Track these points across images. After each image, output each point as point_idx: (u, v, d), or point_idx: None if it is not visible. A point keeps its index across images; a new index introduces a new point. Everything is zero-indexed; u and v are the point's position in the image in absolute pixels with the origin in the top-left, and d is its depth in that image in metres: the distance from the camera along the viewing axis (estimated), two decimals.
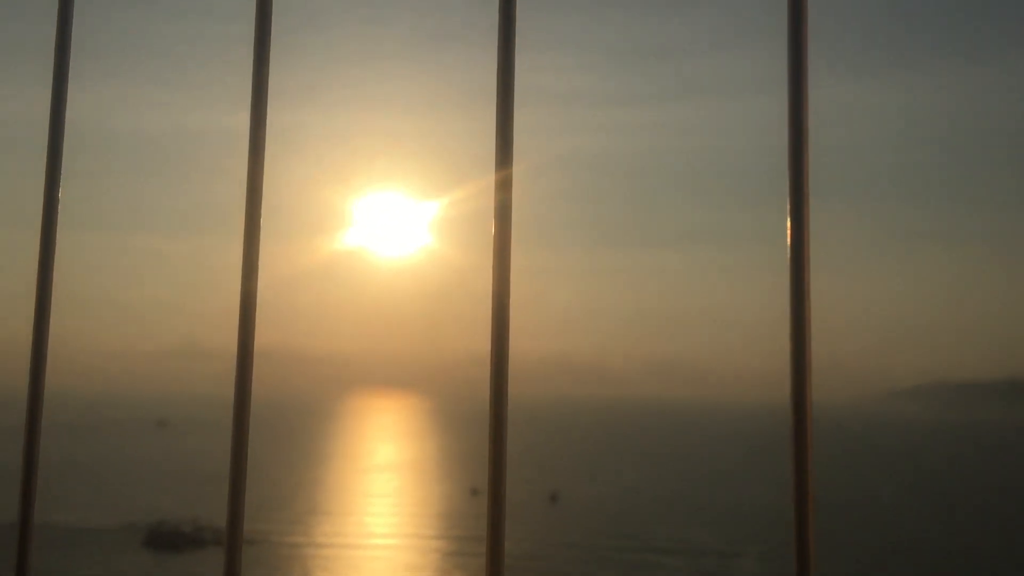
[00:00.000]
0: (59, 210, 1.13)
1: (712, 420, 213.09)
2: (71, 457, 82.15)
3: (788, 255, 0.84)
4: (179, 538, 42.58)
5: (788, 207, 0.85)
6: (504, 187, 0.92)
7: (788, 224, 0.84)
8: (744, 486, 70.81)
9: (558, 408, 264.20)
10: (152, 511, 47.42)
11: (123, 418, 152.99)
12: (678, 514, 55.15)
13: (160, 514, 45.78)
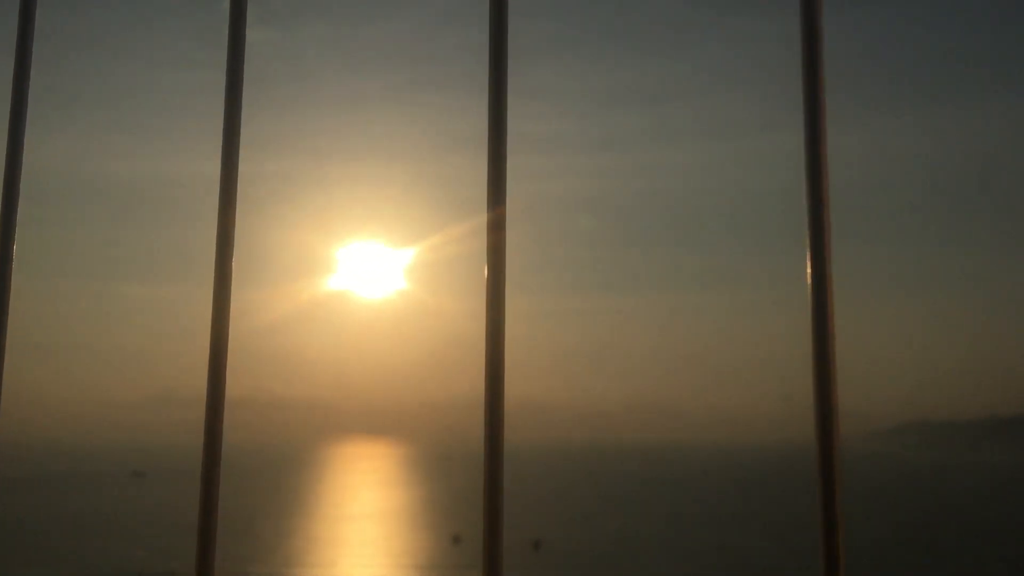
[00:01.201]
0: (14, 256, 1.09)
1: (705, 463, 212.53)
2: (45, 510, 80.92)
3: (809, 294, 0.84)
4: None
5: (808, 246, 0.83)
6: (497, 228, 0.90)
7: (808, 264, 0.84)
8: (733, 530, 70.49)
9: (541, 453, 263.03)
10: (128, 564, 46.69)
11: (98, 470, 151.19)
12: (664, 561, 54.78)
13: (136, 567, 45.07)
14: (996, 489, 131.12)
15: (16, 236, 1.10)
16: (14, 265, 1.08)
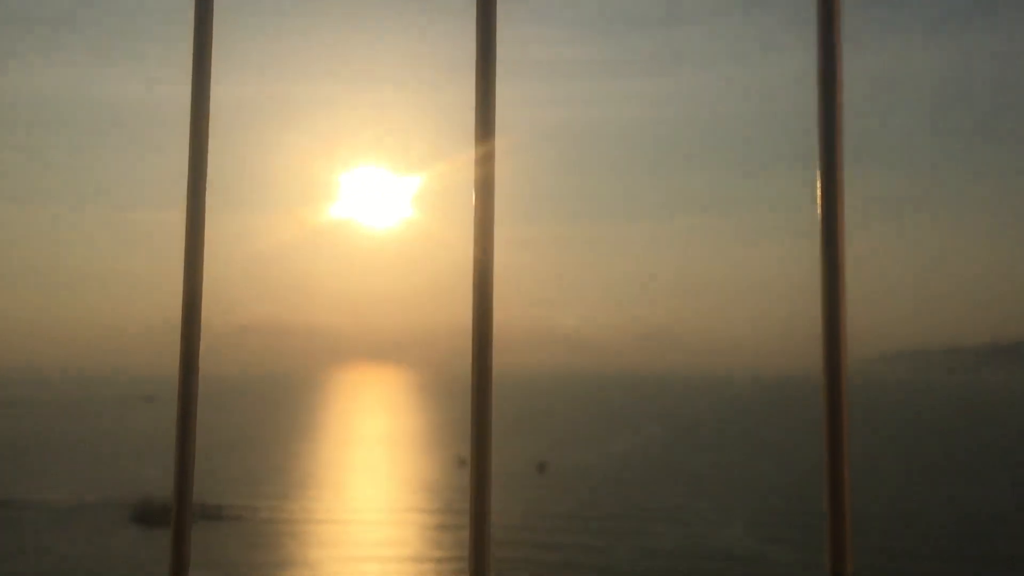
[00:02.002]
0: None
1: (706, 390, 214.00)
2: (60, 434, 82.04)
3: (820, 221, 0.83)
4: (167, 514, 42.65)
5: (819, 172, 0.83)
6: (486, 161, 0.92)
7: (819, 189, 0.83)
8: (737, 455, 71.33)
9: (546, 379, 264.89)
10: (140, 487, 47.46)
11: (112, 395, 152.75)
12: (667, 483, 55.54)
13: (148, 490, 45.80)
14: (996, 412, 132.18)
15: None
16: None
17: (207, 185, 1.01)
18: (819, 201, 0.83)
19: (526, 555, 35.70)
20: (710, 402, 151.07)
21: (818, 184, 0.83)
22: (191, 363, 0.94)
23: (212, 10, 0.99)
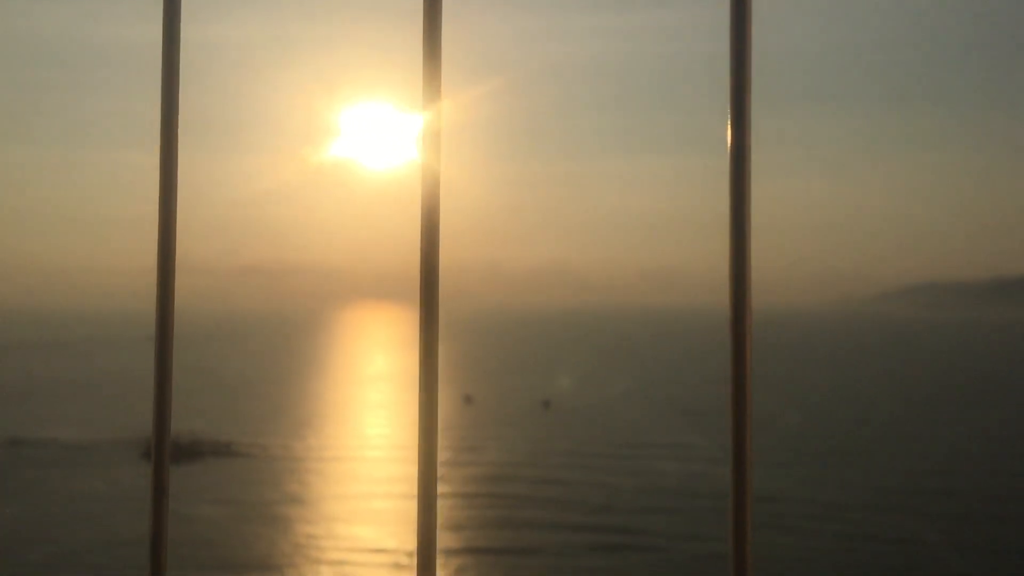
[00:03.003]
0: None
1: (708, 324, 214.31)
2: (66, 374, 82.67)
3: (729, 157, 0.84)
4: (176, 450, 43.19)
5: (729, 109, 0.84)
6: (433, 128, 0.96)
7: (729, 127, 0.84)
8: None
9: (549, 317, 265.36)
10: (148, 425, 47.95)
11: (116, 335, 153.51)
12: (670, 420, 55.96)
13: None
14: (1000, 347, 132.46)
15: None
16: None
17: (179, 122, 1.06)
18: (729, 136, 0.87)
19: (529, 493, 36.15)
20: (715, 337, 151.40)
21: (728, 122, 0.88)
22: (167, 300, 1.01)
23: None
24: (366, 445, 47.68)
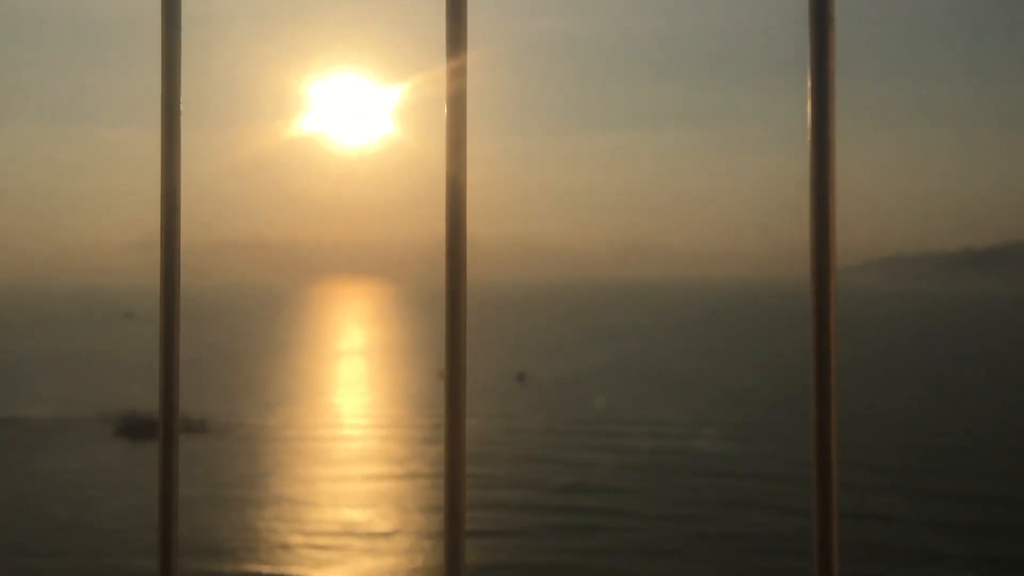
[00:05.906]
0: None
1: (683, 299, 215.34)
2: (41, 351, 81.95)
3: (809, 130, 0.82)
4: (152, 426, 42.92)
5: (810, 79, 0.82)
6: (458, 76, 0.91)
7: (809, 99, 0.82)
8: (713, 363, 72.16)
9: (527, 291, 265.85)
10: (124, 401, 47.64)
11: (90, 312, 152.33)
12: (643, 392, 56.25)
13: (132, 404, 46.02)
14: (971, 318, 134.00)
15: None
16: None
17: (181, 99, 1.00)
18: (809, 112, 0.83)
19: (506, 471, 36.26)
20: (697, 310, 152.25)
21: (809, 95, 0.83)
22: (172, 278, 0.96)
23: None
24: (341, 423, 47.64)
